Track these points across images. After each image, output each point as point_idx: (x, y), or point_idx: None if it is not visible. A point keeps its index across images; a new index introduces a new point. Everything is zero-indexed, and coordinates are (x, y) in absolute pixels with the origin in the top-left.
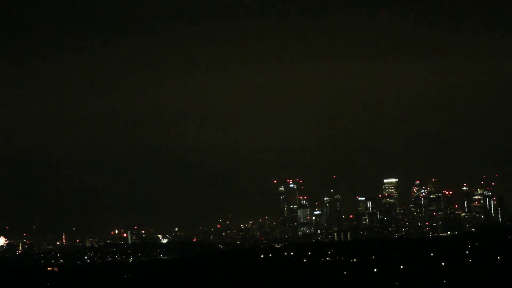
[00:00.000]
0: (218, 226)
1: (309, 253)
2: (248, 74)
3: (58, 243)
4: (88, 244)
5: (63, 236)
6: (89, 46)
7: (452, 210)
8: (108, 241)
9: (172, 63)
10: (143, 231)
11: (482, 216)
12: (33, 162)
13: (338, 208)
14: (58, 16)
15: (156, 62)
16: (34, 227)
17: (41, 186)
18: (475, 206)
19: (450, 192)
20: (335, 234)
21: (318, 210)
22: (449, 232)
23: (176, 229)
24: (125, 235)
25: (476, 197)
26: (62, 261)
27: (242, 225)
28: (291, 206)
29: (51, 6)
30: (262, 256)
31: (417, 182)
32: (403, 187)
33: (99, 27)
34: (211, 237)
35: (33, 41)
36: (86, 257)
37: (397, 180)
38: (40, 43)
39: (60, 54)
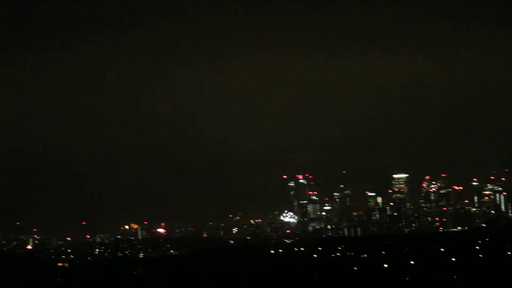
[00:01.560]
0: (230, 221)
1: (320, 248)
2: (255, 69)
3: (68, 238)
4: (98, 239)
5: (73, 232)
6: (89, 43)
7: (462, 205)
8: (118, 236)
9: (175, 60)
10: (153, 227)
11: (492, 212)
12: (41, 158)
13: (348, 204)
14: (56, 13)
15: (162, 59)
16: (44, 223)
17: (51, 182)
18: (485, 202)
19: (460, 188)
20: (345, 229)
21: (328, 206)
22: (459, 228)
23: (186, 225)
24: (134, 227)
25: (486, 192)
26: (72, 256)
27: (252, 221)
28: (301, 202)
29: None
30: (272, 251)
31: (427, 177)
32: (413, 182)
33: (100, 24)
34: (221, 233)
35: (32, 38)
36: (96, 253)
37: (407, 175)
38: (39, 40)
39: (62, 51)
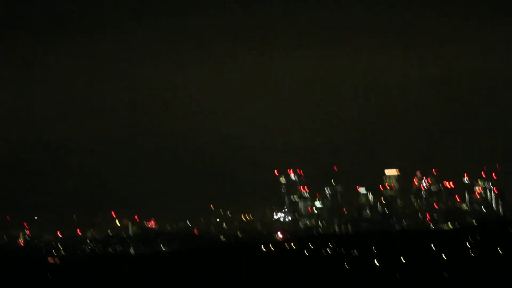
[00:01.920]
0: (220, 217)
1: (310, 245)
2: (246, 67)
3: (59, 234)
4: (89, 235)
5: (64, 227)
6: (91, 39)
7: (453, 202)
8: (109, 232)
9: (175, 58)
10: (145, 222)
11: (483, 208)
12: (33, 151)
13: (339, 200)
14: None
15: (165, 54)
16: (35, 217)
17: (42, 176)
18: (476, 198)
19: (451, 184)
20: (336, 226)
21: (319, 202)
22: (450, 224)
23: (177, 221)
24: (125, 222)
25: (477, 188)
26: (63, 253)
27: (243, 217)
28: (292, 198)
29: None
30: (263, 248)
31: (418, 174)
32: (404, 179)
33: (101, 21)
34: (212, 229)
35: (36, 34)
36: (86, 248)
37: (398, 171)
38: (42, 37)
39: (64, 46)
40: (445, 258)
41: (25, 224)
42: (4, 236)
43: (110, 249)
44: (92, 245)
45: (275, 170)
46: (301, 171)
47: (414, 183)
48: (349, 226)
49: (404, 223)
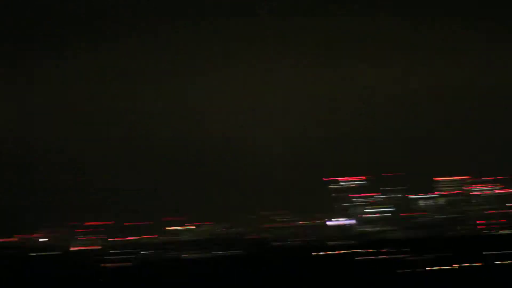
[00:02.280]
0: (272, 223)
1: (380, 250)
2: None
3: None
4: (143, 240)
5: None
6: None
7: (506, 207)
8: (163, 237)
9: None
10: (196, 226)
11: None
12: None
13: (394, 206)
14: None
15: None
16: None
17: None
18: None
19: (504, 189)
20: (395, 232)
21: (375, 208)
22: (506, 231)
23: (230, 226)
24: (178, 228)
25: None
26: (118, 257)
27: (296, 223)
28: (345, 204)
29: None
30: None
31: (469, 179)
32: (456, 185)
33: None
34: (266, 235)
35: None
36: (140, 254)
37: (451, 178)
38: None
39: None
40: (499, 264)
41: (76, 230)
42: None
43: (164, 254)
44: (145, 251)
45: (323, 177)
46: (353, 176)
47: (466, 189)
48: (408, 231)
49: (458, 228)
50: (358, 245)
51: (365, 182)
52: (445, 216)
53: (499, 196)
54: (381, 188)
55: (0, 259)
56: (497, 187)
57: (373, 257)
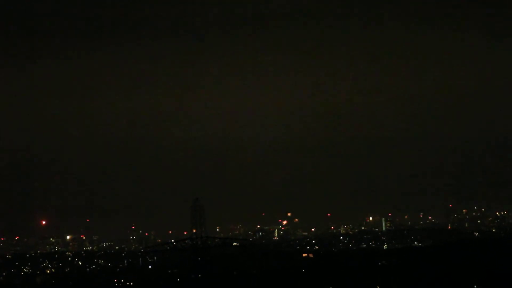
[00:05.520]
0: (473, 214)
1: None
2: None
3: (312, 229)
4: (342, 230)
5: (318, 223)
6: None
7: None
8: (363, 228)
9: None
10: (397, 219)
11: None
12: None
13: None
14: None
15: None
16: (289, 214)
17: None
18: None
19: None
20: None
21: None
22: None
23: (429, 217)
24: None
25: None
26: (317, 247)
27: (497, 213)
28: None
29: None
30: None
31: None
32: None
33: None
34: (466, 224)
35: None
36: (340, 244)
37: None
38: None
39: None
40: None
41: (280, 220)
42: (260, 232)
43: (363, 244)
44: (345, 240)
45: None
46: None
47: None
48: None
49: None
50: None
51: None
52: None
53: None
54: None
55: None
56: None
57: None
